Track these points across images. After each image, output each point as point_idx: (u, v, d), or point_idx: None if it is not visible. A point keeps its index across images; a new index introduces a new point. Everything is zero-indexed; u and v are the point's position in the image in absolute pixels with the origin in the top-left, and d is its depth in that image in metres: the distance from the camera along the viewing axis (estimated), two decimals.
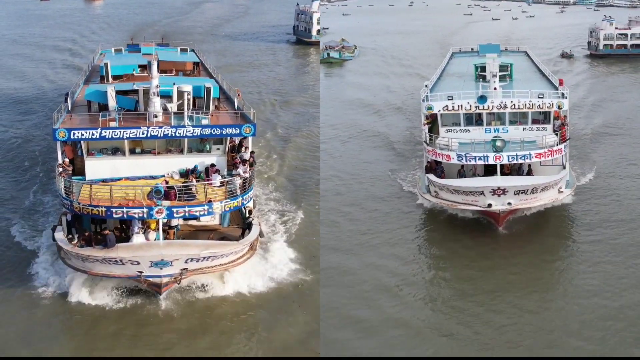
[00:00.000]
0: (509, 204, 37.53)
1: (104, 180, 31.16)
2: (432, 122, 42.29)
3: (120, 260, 27.58)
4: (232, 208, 30.46)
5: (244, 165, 32.33)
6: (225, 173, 32.79)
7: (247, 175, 31.59)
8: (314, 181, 45.43)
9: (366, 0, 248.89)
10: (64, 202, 29.94)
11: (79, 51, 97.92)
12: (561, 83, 44.34)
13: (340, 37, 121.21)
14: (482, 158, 38.09)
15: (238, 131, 32.72)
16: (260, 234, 32.13)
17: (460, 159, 38.44)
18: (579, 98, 70.78)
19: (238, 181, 30.86)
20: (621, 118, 63.78)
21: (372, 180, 46.63)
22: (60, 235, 29.09)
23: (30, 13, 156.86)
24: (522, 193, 37.61)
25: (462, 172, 39.65)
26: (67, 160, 32.04)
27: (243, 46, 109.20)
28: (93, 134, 30.93)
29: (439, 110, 40.66)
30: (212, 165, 32.59)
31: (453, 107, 40.42)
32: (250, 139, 34.33)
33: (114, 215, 28.57)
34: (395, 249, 36.27)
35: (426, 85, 44.28)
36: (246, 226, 31.28)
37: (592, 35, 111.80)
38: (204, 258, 28.30)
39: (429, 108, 40.94)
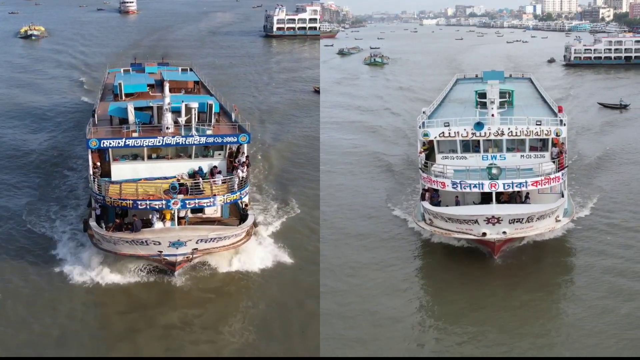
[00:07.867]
0: (504, 233, 36.47)
1: (126, 181, 37.21)
2: (430, 148, 41.42)
3: (146, 241, 34.38)
4: (232, 201, 37.12)
5: (243, 166, 38.76)
6: (225, 174, 38.52)
7: (244, 174, 38.40)
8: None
9: (381, 27, 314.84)
10: (97, 198, 36.38)
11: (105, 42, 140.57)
12: (560, 110, 43.41)
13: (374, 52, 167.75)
14: (477, 186, 37.13)
15: (236, 140, 39.05)
16: (255, 224, 39.05)
17: (455, 186, 37.51)
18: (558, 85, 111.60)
19: (236, 180, 37.76)
20: (581, 95, 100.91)
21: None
22: (94, 223, 35.95)
23: (77, 19, 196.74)
24: (517, 222, 36.55)
25: (458, 200, 38.84)
26: (98, 164, 38.70)
27: (231, 38, 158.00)
28: (119, 143, 37.43)
29: (435, 137, 40.04)
30: (215, 167, 38.98)
31: (449, 133, 39.57)
32: (245, 145, 40.15)
33: (139, 207, 35.09)
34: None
35: (424, 112, 43.59)
36: (243, 217, 37.82)
37: (566, 50, 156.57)
38: (211, 239, 35.09)
39: (425, 135, 40.41)
